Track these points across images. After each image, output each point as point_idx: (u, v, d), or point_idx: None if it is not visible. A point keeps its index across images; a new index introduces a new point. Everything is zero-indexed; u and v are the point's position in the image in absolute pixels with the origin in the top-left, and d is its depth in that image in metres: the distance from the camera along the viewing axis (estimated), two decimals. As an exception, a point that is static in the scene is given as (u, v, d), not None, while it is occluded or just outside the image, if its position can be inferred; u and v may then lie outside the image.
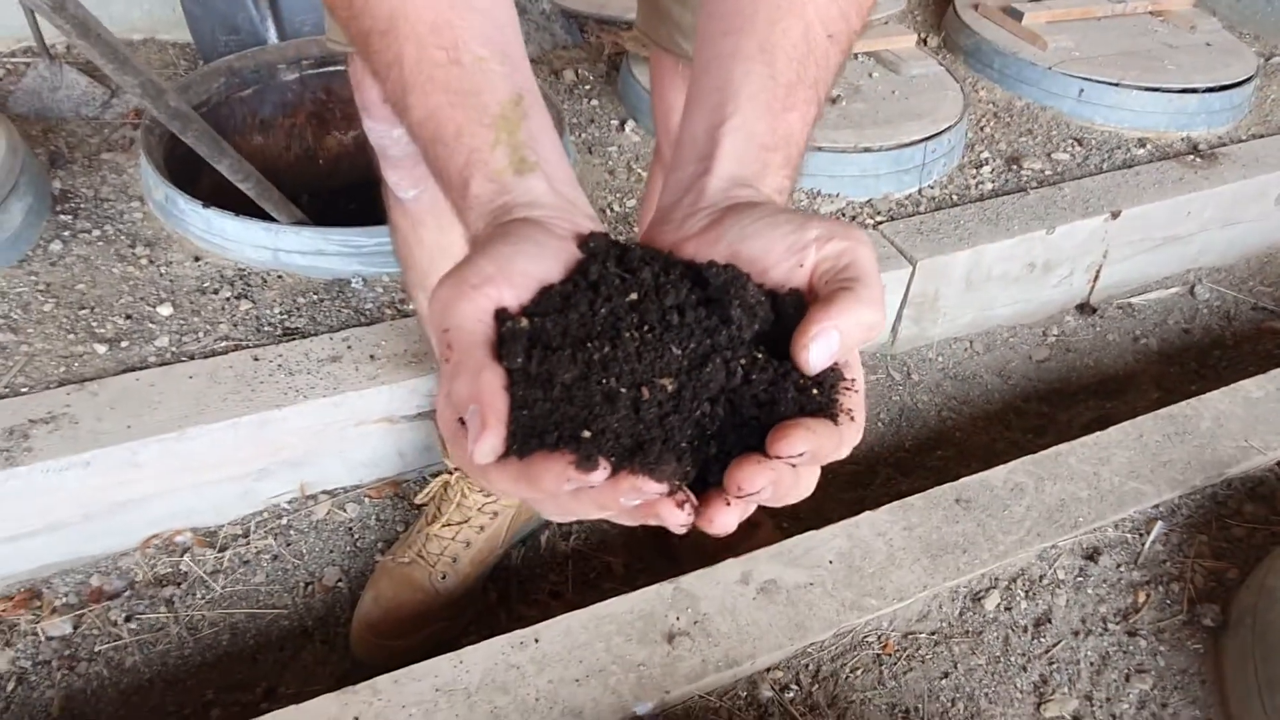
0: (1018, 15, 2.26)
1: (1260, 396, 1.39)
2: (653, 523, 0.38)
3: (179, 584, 1.28)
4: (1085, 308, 1.93)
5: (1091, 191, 1.85)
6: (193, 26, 2.00)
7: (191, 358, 1.34)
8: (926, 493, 1.21)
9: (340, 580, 1.31)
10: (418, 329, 1.37)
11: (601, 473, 0.36)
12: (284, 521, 1.36)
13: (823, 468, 0.41)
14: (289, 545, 1.34)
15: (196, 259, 1.51)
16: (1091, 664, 1.07)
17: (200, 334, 1.38)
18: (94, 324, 1.38)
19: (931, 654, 1.06)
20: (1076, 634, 1.09)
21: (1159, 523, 1.21)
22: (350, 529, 1.37)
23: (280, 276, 1.50)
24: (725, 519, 0.38)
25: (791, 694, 1.01)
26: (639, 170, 1.84)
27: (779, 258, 0.42)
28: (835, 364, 0.40)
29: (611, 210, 1.75)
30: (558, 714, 0.95)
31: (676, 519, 0.37)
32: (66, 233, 1.54)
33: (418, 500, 1.30)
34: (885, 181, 1.81)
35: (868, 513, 1.18)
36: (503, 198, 0.46)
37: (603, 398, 0.37)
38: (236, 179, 1.49)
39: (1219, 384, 1.42)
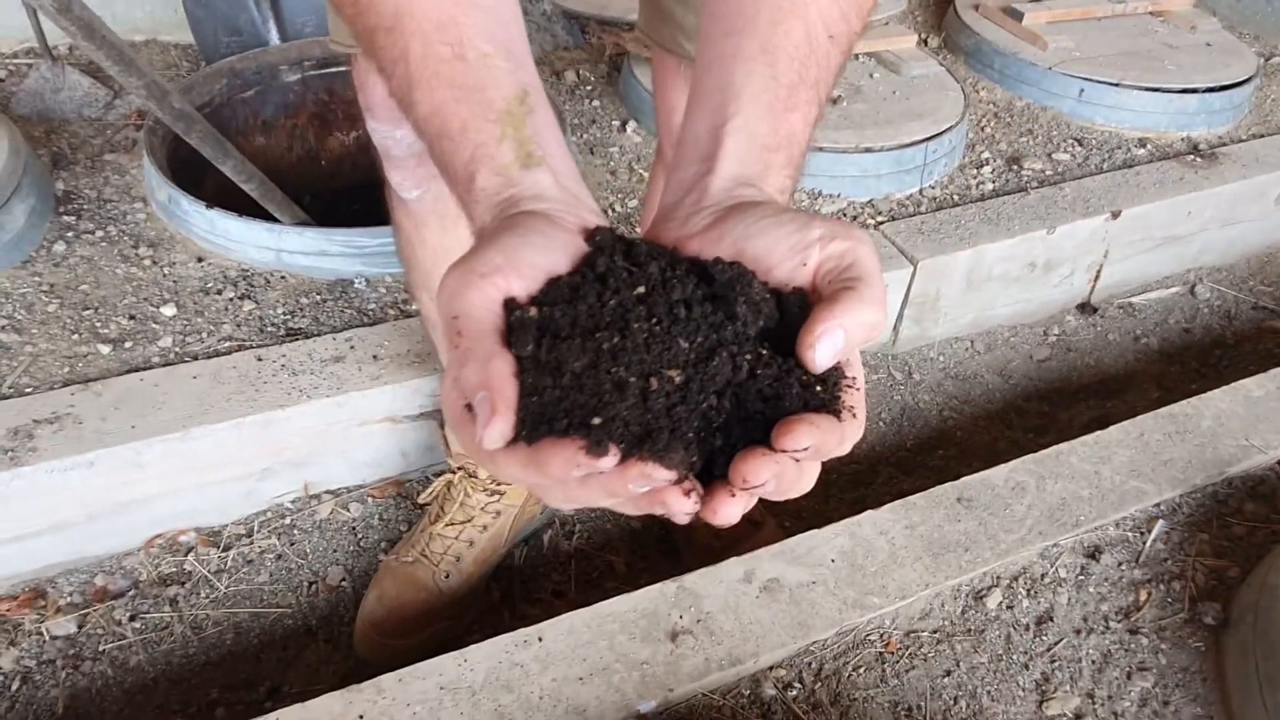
0: (1018, 16, 2.27)
1: (1261, 395, 1.39)
2: (658, 511, 0.39)
3: (183, 583, 1.28)
4: (1086, 307, 1.94)
5: (1092, 191, 1.85)
6: (195, 28, 2.00)
7: (195, 358, 1.34)
8: (928, 491, 1.21)
9: (344, 579, 1.32)
10: (420, 329, 1.38)
11: (611, 459, 0.36)
12: (288, 521, 1.36)
13: (824, 466, 0.41)
14: (293, 545, 1.34)
15: (200, 260, 1.52)
16: (1093, 662, 1.07)
17: (204, 334, 1.39)
18: (98, 324, 1.38)
19: (934, 652, 1.06)
20: (1078, 632, 1.10)
21: (1160, 521, 1.21)
22: (354, 528, 1.37)
23: (283, 277, 1.50)
24: (729, 510, 0.39)
25: (794, 692, 1.01)
26: (640, 171, 1.85)
27: (782, 256, 0.43)
28: (837, 362, 0.41)
29: (613, 211, 1.75)
30: (562, 712, 0.95)
31: (683, 507, 0.38)
32: (70, 234, 1.54)
33: (421, 500, 1.30)
34: (886, 182, 1.82)
35: (870, 511, 1.18)
36: (509, 190, 0.46)
37: (612, 386, 0.38)
38: (240, 180, 1.49)
39: (1220, 383, 1.42)
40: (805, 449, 0.38)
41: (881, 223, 1.74)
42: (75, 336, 1.36)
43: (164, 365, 1.32)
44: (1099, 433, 1.31)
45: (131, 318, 1.40)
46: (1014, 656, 1.07)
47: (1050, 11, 2.31)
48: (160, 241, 1.55)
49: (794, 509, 1.44)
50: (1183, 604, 1.13)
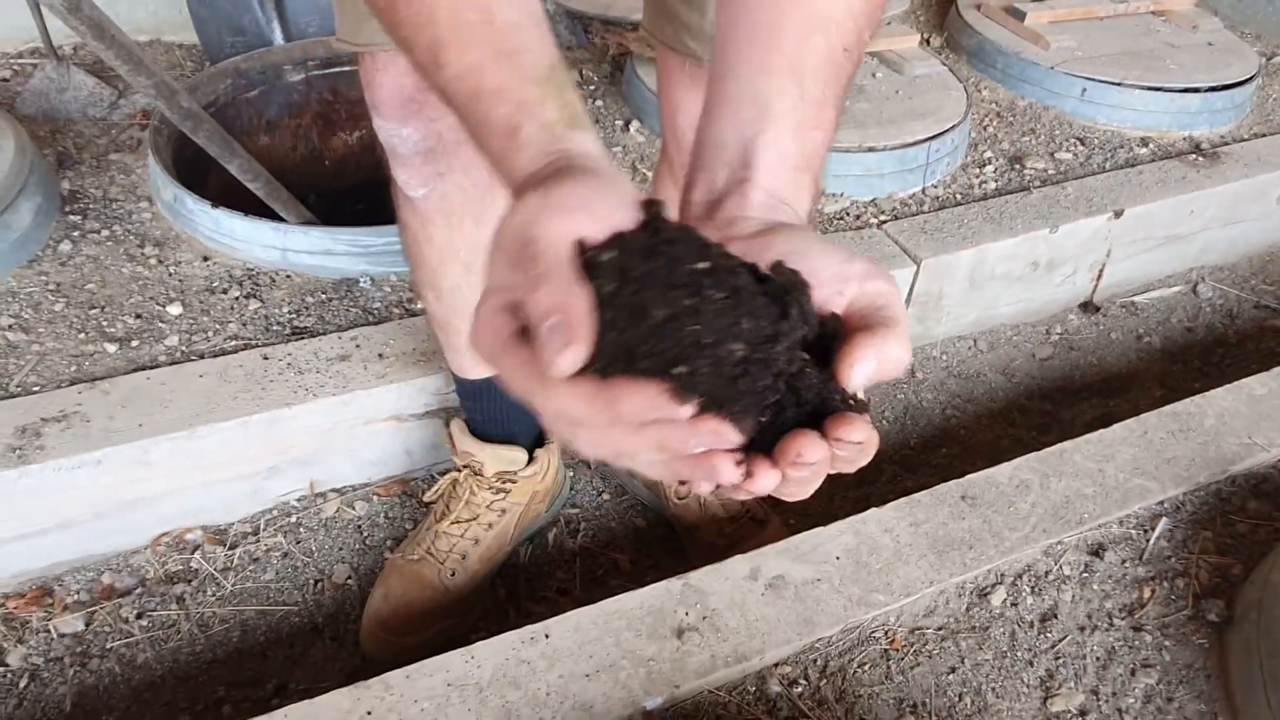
0: (1020, 15, 2.27)
1: (1264, 394, 1.39)
2: (696, 476, 0.39)
3: (190, 581, 1.28)
4: (1089, 306, 1.94)
5: (1094, 190, 1.85)
6: (199, 28, 2.00)
7: (201, 357, 1.35)
8: (933, 489, 1.22)
9: (350, 577, 1.32)
10: (426, 328, 1.38)
11: (689, 409, 0.37)
12: (293, 519, 1.37)
13: None
14: (299, 543, 1.35)
15: (205, 259, 1.52)
16: (1098, 659, 1.07)
17: (210, 333, 1.39)
18: (104, 323, 1.39)
19: (939, 649, 1.07)
20: (1082, 629, 1.10)
21: (1163, 519, 1.22)
22: (359, 527, 1.38)
23: (289, 276, 1.51)
24: (766, 480, 0.40)
25: (800, 689, 1.02)
26: (644, 170, 1.85)
27: (823, 281, 0.44)
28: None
29: (617, 210, 1.76)
30: (568, 708, 0.96)
31: (730, 475, 0.39)
32: (76, 233, 1.55)
33: (426, 498, 1.31)
34: (889, 181, 1.82)
35: (874, 509, 1.19)
36: (560, 145, 0.46)
37: (692, 343, 0.38)
38: (246, 179, 1.49)
39: (1222, 381, 1.43)
40: (858, 443, 0.40)
41: (884, 222, 1.74)
42: (82, 335, 1.36)
43: (170, 364, 1.33)
44: (1102, 431, 1.32)
45: (138, 317, 1.41)
46: (1018, 653, 1.07)
47: (1052, 11, 2.31)
48: (166, 241, 1.56)
49: (799, 507, 1.44)
50: (1186, 601, 1.14)
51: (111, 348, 1.35)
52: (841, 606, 1.07)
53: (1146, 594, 1.14)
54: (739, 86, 0.53)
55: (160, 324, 1.40)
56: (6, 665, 1.17)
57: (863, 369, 0.41)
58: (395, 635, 1.21)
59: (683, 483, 0.41)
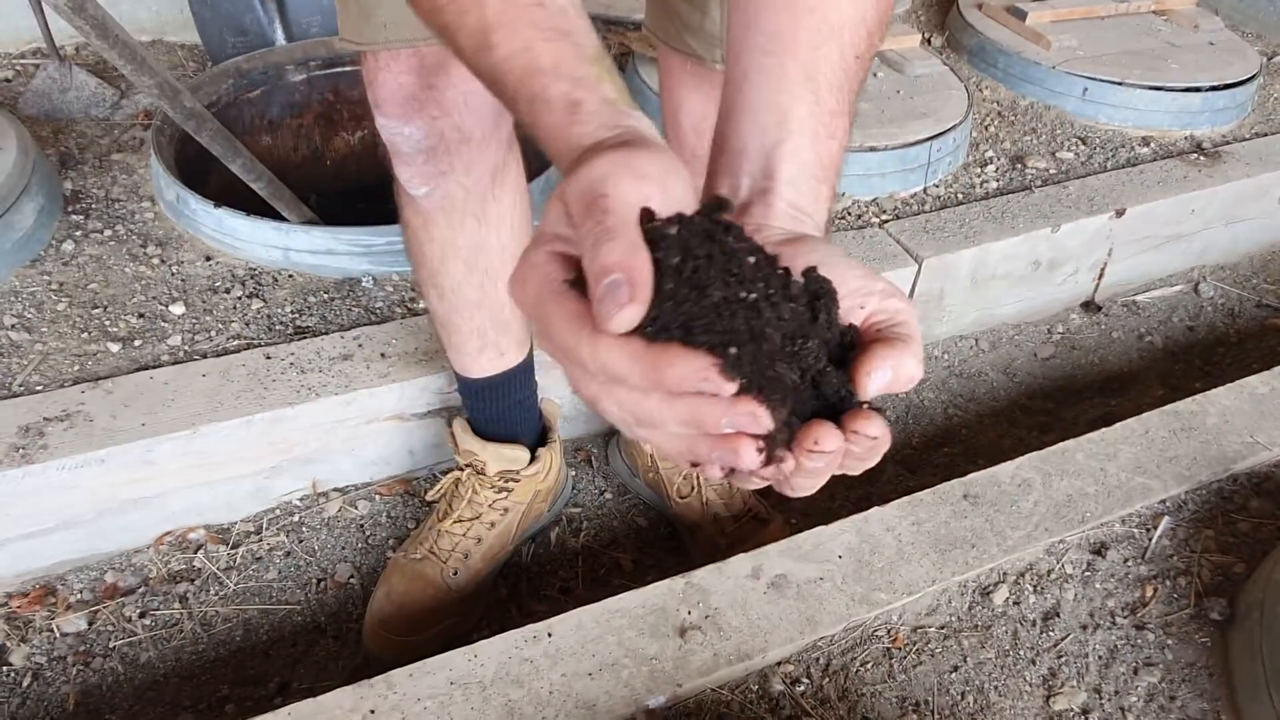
0: (1021, 15, 2.27)
1: (1266, 393, 1.39)
2: (719, 455, 0.40)
3: (192, 580, 1.29)
4: (1090, 305, 1.94)
5: (1096, 190, 1.85)
6: (200, 28, 2.01)
7: (204, 356, 1.35)
8: (935, 488, 1.22)
9: (352, 576, 1.32)
10: (428, 327, 1.38)
11: (733, 386, 0.38)
12: (296, 518, 1.37)
13: None
14: (301, 542, 1.35)
15: (208, 258, 1.53)
16: (1100, 657, 1.08)
17: (212, 332, 1.39)
18: (107, 323, 1.39)
19: (941, 648, 1.07)
20: (1085, 628, 1.10)
21: (1165, 518, 1.22)
22: (362, 526, 1.38)
23: (291, 276, 1.51)
24: (779, 468, 0.41)
25: (802, 687, 1.02)
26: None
27: (845, 295, 0.45)
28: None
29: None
30: (571, 707, 0.96)
31: (752, 460, 0.40)
32: (78, 233, 1.55)
33: (429, 497, 1.31)
34: (891, 180, 1.82)
35: (876, 508, 1.19)
36: (625, 120, 0.46)
37: (742, 326, 0.39)
38: (249, 179, 1.50)
39: (1224, 381, 1.43)
40: (873, 437, 0.42)
41: (886, 221, 1.74)
42: (85, 335, 1.36)
43: (173, 363, 1.33)
44: (1104, 430, 1.32)
45: (140, 316, 1.41)
46: (1021, 652, 1.07)
47: (1054, 11, 2.31)
48: (168, 240, 1.56)
49: (800, 506, 1.44)
50: (1188, 600, 1.14)
51: (114, 347, 1.35)
52: (844, 605, 1.08)
53: (1149, 593, 1.14)
54: (756, 94, 0.54)
55: (163, 323, 1.40)
56: (10, 664, 1.17)
57: (879, 378, 0.43)
58: (398, 634, 1.21)
59: (694, 464, 0.41)
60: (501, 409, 1.23)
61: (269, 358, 1.34)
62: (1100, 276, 1.91)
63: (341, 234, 1.49)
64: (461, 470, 1.27)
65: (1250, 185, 1.96)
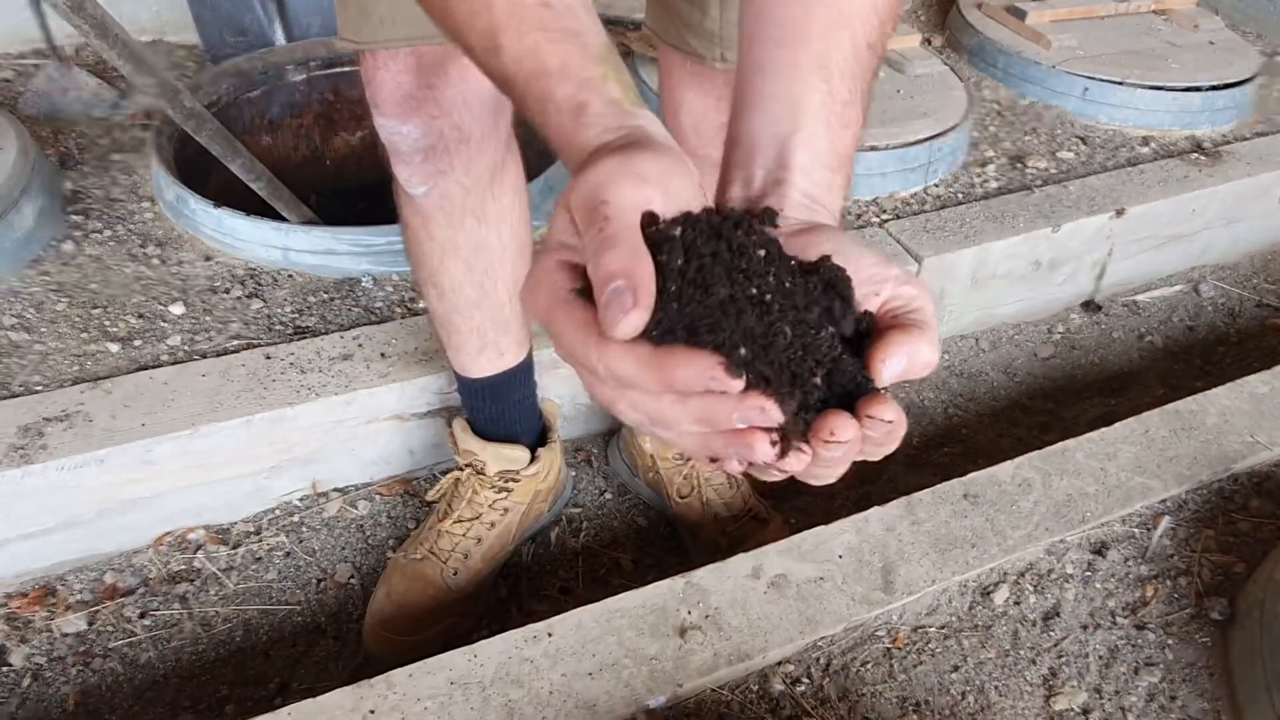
0: (1021, 14, 2.27)
1: (1266, 392, 1.39)
2: (734, 450, 0.40)
3: (192, 580, 1.29)
4: (1090, 305, 1.94)
5: (1096, 189, 1.85)
6: (200, 28, 2.01)
7: (204, 356, 1.35)
8: (935, 488, 1.22)
9: (352, 577, 1.32)
10: (428, 327, 1.38)
11: (740, 383, 0.38)
12: (296, 518, 1.37)
13: None
14: (301, 542, 1.35)
15: (207, 258, 1.53)
16: (1100, 657, 1.07)
17: (212, 333, 1.39)
18: (106, 323, 1.39)
19: (941, 647, 1.06)
20: (1085, 628, 1.10)
21: (1166, 517, 1.22)
22: (361, 526, 1.38)
23: (291, 275, 1.51)
24: (798, 458, 0.41)
25: (803, 687, 1.02)
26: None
27: (860, 282, 0.45)
28: None
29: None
30: (571, 707, 0.96)
31: (765, 453, 0.40)
32: (78, 233, 1.55)
33: (429, 497, 1.31)
34: (891, 180, 1.82)
35: (876, 508, 1.19)
36: (630, 120, 0.46)
37: (748, 322, 0.40)
38: (249, 179, 1.50)
39: (1224, 380, 1.42)
40: (889, 421, 0.42)
41: (886, 221, 1.74)
42: (84, 335, 1.36)
43: (173, 363, 1.33)
44: (1104, 429, 1.32)
45: (140, 316, 1.41)
46: (1021, 652, 1.07)
47: (1053, 10, 2.31)
48: (168, 240, 1.56)
49: (801, 506, 1.44)
50: (1189, 600, 1.13)
51: (114, 347, 1.35)
52: (844, 605, 1.07)
53: (1149, 592, 1.14)
54: (768, 85, 0.54)
55: (163, 323, 1.40)
56: (10, 665, 1.17)
57: (895, 364, 0.43)
58: (398, 634, 1.21)
59: (713, 460, 0.42)
60: (501, 409, 1.23)
61: (269, 358, 1.34)
62: (1100, 276, 1.91)
63: (341, 234, 1.49)
64: (461, 470, 1.27)
65: (1251, 185, 1.96)
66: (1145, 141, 2.07)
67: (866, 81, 0.56)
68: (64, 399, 1.25)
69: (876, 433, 0.42)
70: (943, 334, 1.80)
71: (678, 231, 0.41)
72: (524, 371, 1.22)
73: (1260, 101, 2.27)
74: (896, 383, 0.45)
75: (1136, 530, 1.21)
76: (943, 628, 1.08)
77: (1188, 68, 2.16)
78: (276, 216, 1.57)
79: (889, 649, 1.06)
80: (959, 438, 1.64)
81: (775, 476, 0.43)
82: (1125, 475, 1.25)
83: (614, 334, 0.39)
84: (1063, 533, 1.18)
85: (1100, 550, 1.18)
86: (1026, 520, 1.18)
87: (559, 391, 1.39)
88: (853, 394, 0.43)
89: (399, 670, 0.98)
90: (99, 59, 2.00)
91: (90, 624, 1.23)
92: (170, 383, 1.29)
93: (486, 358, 1.16)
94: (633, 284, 0.38)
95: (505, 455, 1.24)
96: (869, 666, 1.04)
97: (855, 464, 0.45)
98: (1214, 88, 2.11)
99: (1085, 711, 1.02)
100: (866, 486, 1.51)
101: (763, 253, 0.42)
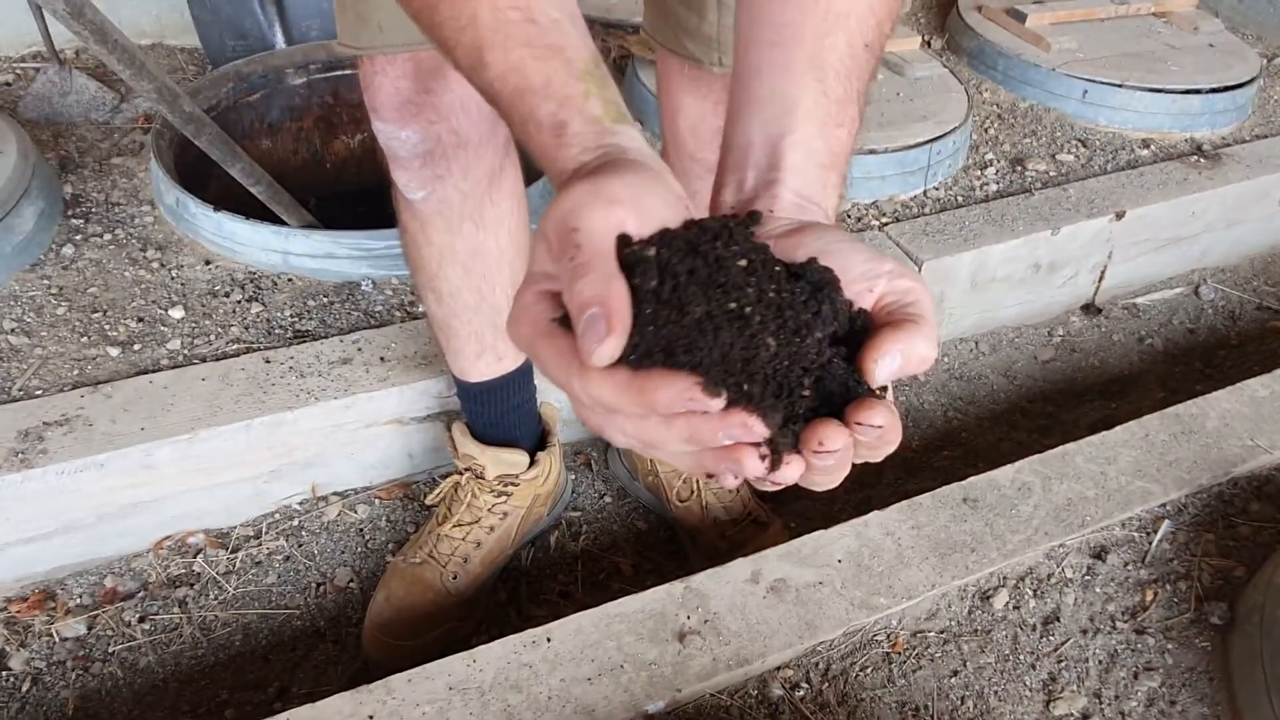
0: (1021, 17, 2.27)
1: (1266, 395, 1.39)
2: (720, 469, 0.40)
3: (192, 585, 1.29)
4: (1090, 308, 1.94)
5: (1096, 192, 1.85)
6: (200, 32, 2.01)
7: (203, 360, 1.35)
8: (934, 492, 1.22)
9: (352, 581, 1.32)
10: (427, 331, 1.38)
11: (719, 402, 0.38)
12: (295, 522, 1.37)
13: None
14: (300, 546, 1.35)
15: (207, 262, 1.53)
16: (1100, 662, 1.07)
17: (212, 337, 1.39)
18: (106, 327, 1.39)
19: (941, 652, 1.06)
20: (1085, 632, 1.10)
21: (1166, 521, 1.22)
22: (361, 530, 1.38)
23: (290, 279, 1.51)
24: (789, 471, 0.41)
25: (802, 692, 1.02)
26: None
27: (853, 279, 0.44)
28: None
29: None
30: (570, 712, 0.96)
31: (755, 468, 0.40)
32: (78, 237, 1.55)
33: (428, 501, 1.31)
34: (890, 183, 1.82)
35: (876, 512, 1.19)
36: (608, 139, 0.46)
37: (726, 338, 0.39)
38: (248, 183, 1.50)
39: (1224, 383, 1.42)
40: (879, 427, 0.41)
41: (886, 224, 1.74)
42: (84, 339, 1.36)
43: (172, 367, 1.33)
44: (1104, 433, 1.32)
45: (140, 320, 1.41)
46: (1021, 657, 1.07)
47: (1053, 13, 2.31)
48: (168, 244, 1.56)
49: (800, 510, 1.44)
50: (1189, 604, 1.13)
51: (114, 351, 1.35)
52: (843, 610, 1.07)
53: (1149, 597, 1.14)
54: (762, 86, 0.54)
55: (162, 327, 1.40)
56: (9, 669, 1.17)
57: (888, 363, 0.42)
58: (397, 639, 1.21)
59: (710, 475, 0.42)
60: (500, 413, 1.23)
61: (268, 362, 1.34)
62: (1100, 279, 1.91)
63: (341, 238, 1.49)
64: (461, 474, 1.27)
65: (1251, 187, 1.96)
66: (1145, 144, 2.07)
67: (863, 81, 0.55)
68: (64, 403, 1.25)
69: (867, 438, 0.42)
70: (942, 337, 1.80)
71: (651, 252, 0.40)
72: (523, 376, 1.22)
73: (1260, 104, 2.27)
74: (898, 380, 0.45)
75: (1136, 534, 1.21)
76: (942, 632, 1.08)
77: (1187, 70, 2.16)
78: (276, 220, 1.57)
79: (888, 654, 1.06)
80: (959, 441, 1.64)
81: (773, 487, 0.42)
82: (1125, 479, 1.25)
83: (591, 362, 0.39)
84: (1062, 537, 1.17)
85: (1100, 554, 1.18)
86: (1026, 524, 1.18)
87: (558, 395, 1.39)
88: (843, 400, 0.42)
89: (398, 675, 0.98)
90: (99, 63, 2.00)
91: (90, 628, 1.23)
92: (170, 387, 1.29)
93: (485, 362, 1.16)
94: (606, 311, 0.38)
95: (504, 459, 1.24)
96: (868, 671, 1.04)
97: (855, 467, 0.44)
98: (1214, 90, 2.11)
99: (1085, 716, 1.02)
100: (866, 490, 1.51)
101: (744, 263, 0.41)
